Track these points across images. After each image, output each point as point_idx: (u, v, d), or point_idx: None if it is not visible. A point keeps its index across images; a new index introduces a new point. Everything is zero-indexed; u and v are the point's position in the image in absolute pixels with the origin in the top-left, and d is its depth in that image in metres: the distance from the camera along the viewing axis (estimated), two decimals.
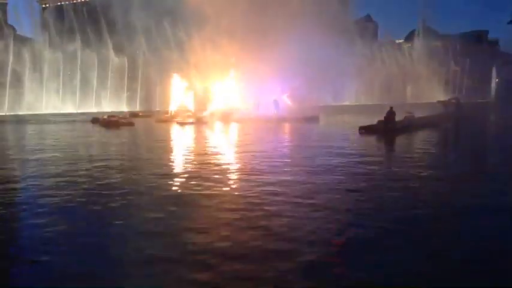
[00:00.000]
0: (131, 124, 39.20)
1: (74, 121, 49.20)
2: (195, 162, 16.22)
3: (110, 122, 39.23)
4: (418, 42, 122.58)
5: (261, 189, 10.60)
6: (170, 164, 16.58)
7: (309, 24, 47.94)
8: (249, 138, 26.98)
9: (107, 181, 12.17)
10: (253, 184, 11.31)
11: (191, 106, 50.10)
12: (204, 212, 8.97)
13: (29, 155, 19.35)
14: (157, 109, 77.78)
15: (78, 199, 10.02)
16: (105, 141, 26.61)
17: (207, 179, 12.09)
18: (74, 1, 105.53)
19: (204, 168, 14.11)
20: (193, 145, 24.59)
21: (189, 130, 34.00)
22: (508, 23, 40.53)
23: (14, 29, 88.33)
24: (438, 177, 12.73)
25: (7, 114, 74.85)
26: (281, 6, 62.77)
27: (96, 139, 28.52)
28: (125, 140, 27.00)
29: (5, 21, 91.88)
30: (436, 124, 30.64)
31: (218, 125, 38.53)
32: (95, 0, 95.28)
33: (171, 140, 28.38)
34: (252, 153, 17.95)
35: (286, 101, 45.19)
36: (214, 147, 22.57)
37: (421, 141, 22.91)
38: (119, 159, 17.71)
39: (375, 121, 27.34)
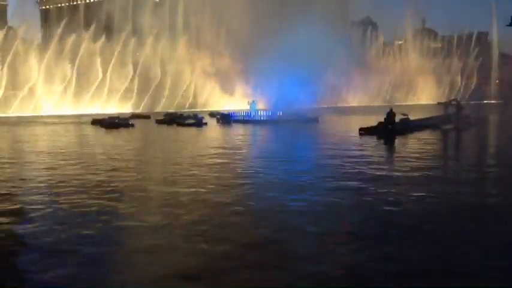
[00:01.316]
0: (131, 126, 39.32)
1: (76, 123, 49.30)
2: None
3: (109, 124, 39.27)
4: (418, 44, 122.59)
5: None
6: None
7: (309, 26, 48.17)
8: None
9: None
10: None
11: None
12: None
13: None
14: (159, 110, 77.92)
15: None
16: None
17: None
18: (74, 3, 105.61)
19: None
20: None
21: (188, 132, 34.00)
22: (508, 26, 40.36)
23: (14, 30, 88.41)
24: None
25: (10, 115, 74.91)
26: (284, 8, 63.00)
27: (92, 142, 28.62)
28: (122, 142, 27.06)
29: (5, 23, 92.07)
30: (435, 126, 30.61)
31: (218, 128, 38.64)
32: (95, 2, 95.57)
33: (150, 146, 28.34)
34: None
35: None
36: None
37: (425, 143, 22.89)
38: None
39: (374, 122, 27.36)
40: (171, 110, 71.32)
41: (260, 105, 44.86)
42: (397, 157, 18.36)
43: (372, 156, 17.76)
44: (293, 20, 53.99)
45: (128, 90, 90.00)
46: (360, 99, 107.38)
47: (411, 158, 16.41)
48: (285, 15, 62.35)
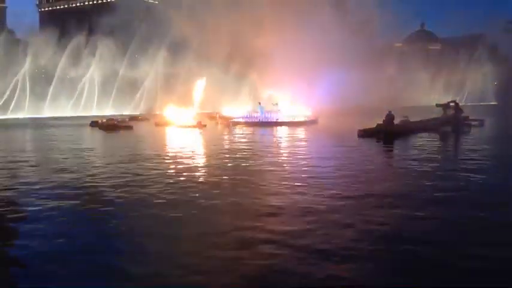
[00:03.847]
0: (130, 128, 39.24)
1: (75, 125, 49.15)
2: None
3: (108, 126, 39.23)
4: (416, 46, 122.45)
5: None
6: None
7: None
8: None
9: None
10: None
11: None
12: None
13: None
14: (157, 112, 77.10)
15: None
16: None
17: None
18: (73, 5, 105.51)
19: None
20: None
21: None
22: (505, 31, 40.90)
23: (13, 32, 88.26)
24: None
25: (9, 117, 74.53)
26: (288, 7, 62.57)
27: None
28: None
29: (5, 25, 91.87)
30: (435, 128, 30.35)
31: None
32: (95, 4, 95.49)
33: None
34: None
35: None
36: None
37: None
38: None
39: (373, 124, 27.17)
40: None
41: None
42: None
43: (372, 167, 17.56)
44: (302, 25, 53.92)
45: (127, 93, 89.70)
46: (357, 101, 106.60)
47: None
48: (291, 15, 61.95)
